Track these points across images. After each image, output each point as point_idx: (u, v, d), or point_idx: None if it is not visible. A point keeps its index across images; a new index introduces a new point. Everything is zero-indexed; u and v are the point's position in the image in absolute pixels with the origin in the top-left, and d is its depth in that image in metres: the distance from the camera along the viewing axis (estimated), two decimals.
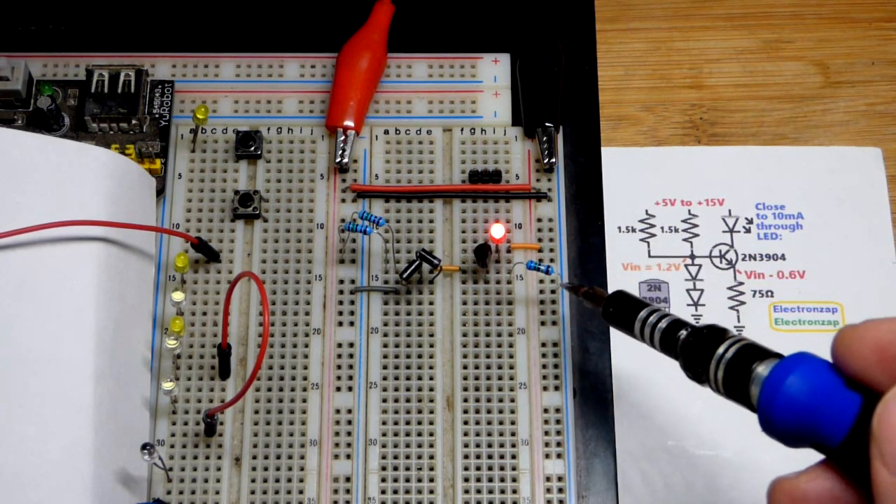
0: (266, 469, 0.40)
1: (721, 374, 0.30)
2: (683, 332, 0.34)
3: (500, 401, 0.41)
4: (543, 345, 0.42)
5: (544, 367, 0.41)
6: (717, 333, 0.31)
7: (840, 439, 0.26)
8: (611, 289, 0.43)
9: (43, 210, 0.39)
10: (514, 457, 0.40)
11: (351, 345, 0.42)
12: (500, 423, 0.41)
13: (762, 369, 0.29)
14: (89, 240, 0.39)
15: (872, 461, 0.24)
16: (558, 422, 0.41)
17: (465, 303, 0.42)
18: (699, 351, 0.32)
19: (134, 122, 0.44)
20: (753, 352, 0.30)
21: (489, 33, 0.47)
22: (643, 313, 0.36)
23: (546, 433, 0.40)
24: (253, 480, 0.40)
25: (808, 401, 0.26)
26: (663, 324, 0.35)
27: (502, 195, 0.44)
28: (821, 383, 0.27)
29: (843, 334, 0.27)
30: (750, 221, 0.47)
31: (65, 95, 0.45)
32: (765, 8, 0.50)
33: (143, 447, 0.36)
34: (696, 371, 0.32)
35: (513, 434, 0.40)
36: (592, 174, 0.44)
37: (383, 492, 0.40)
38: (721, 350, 0.31)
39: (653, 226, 0.47)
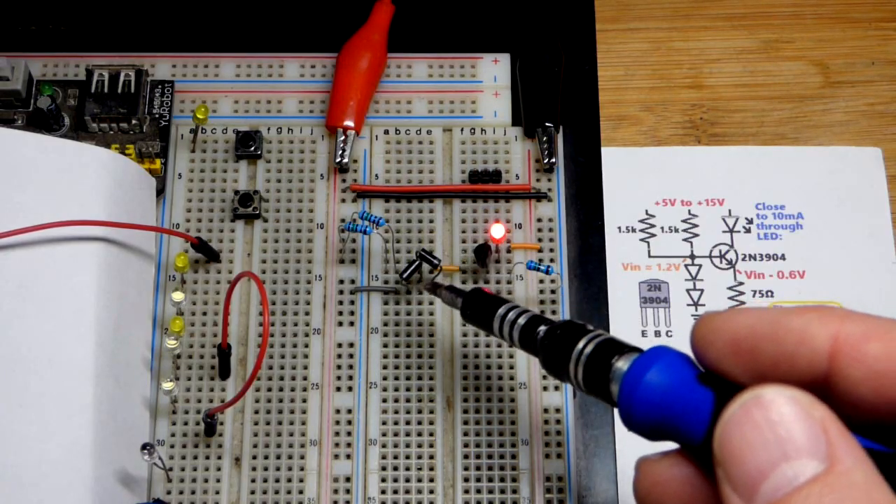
0: (266, 469, 0.40)
1: (581, 371, 0.29)
2: (543, 328, 0.33)
3: (500, 401, 0.41)
4: None
5: None
6: (575, 329, 0.30)
7: (700, 438, 0.25)
8: (611, 290, 0.43)
9: (43, 210, 0.39)
10: (514, 457, 0.40)
11: (351, 345, 0.42)
12: (500, 423, 0.41)
13: (621, 364, 0.27)
14: (89, 240, 0.39)
15: (720, 485, 0.23)
16: (558, 422, 0.41)
17: None
18: (558, 347, 0.30)
19: (134, 122, 0.44)
20: (612, 347, 0.28)
21: (489, 33, 0.47)
22: (501, 310, 0.35)
23: (546, 433, 0.40)
24: (253, 480, 0.40)
25: (664, 396, 0.25)
26: (522, 320, 0.34)
27: (502, 195, 0.44)
28: (679, 378, 0.26)
29: (701, 324, 0.26)
30: (750, 221, 0.47)
31: (65, 95, 0.45)
32: (765, 8, 0.50)
33: (143, 447, 0.36)
34: (556, 369, 0.31)
35: (513, 434, 0.40)
36: (592, 174, 0.44)
37: (383, 492, 0.40)
38: (580, 346, 0.29)
39: (653, 226, 0.47)
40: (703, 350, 0.26)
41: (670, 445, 0.27)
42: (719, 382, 0.25)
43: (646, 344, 0.45)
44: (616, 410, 0.27)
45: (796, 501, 0.21)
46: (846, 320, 0.24)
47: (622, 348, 0.28)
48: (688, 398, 0.25)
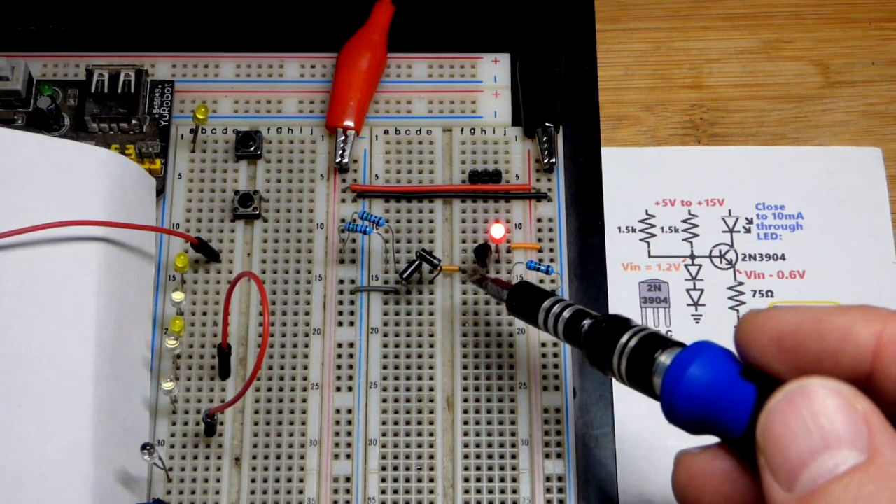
0: (266, 469, 0.40)
1: (624, 364, 0.30)
2: (587, 322, 0.34)
3: (500, 401, 0.41)
4: (543, 345, 0.42)
5: (544, 367, 0.41)
6: (619, 323, 0.31)
7: (741, 432, 0.26)
8: (611, 290, 0.43)
9: (43, 210, 0.39)
10: (514, 457, 0.40)
11: (351, 345, 0.42)
12: (500, 423, 0.41)
13: (664, 358, 0.28)
14: (89, 240, 0.39)
15: (762, 472, 0.24)
16: (558, 422, 0.41)
17: (465, 303, 0.42)
18: (603, 340, 0.31)
19: (134, 122, 0.44)
20: (656, 341, 0.29)
21: (489, 33, 0.47)
22: (547, 303, 0.36)
23: (546, 433, 0.40)
24: (253, 480, 0.40)
25: (706, 390, 0.26)
26: (567, 314, 0.35)
27: (502, 195, 0.44)
28: (721, 372, 0.26)
29: (745, 321, 0.27)
30: (750, 221, 0.47)
31: (65, 95, 0.45)
32: (765, 8, 0.50)
33: (143, 447, 0.36)
34: (600, 361, 0.32)
35: (513, 434, 0.40)
36: (592, 174, 0.44)
37: (383, 492, 0.40)
38: (624, 339, 0.30)
39: (653, 226, 0.47)
40: (747, 346, 0.27)
41: (709, 440, 0.27)
42: (761, 377, 0.26)
43: None
44: (658, 404, 0.28)
45: (836, 490, 0.22)
46: (890, 320, 0.24)
47: (665, 343, 0.29)
48: (730, 392, 0.26)
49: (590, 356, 0.33)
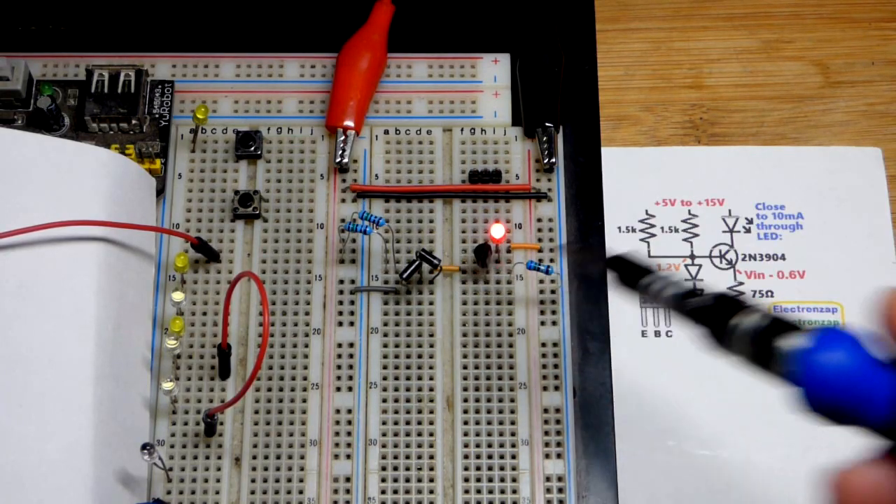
0: (266, 469, 0.40)
1: (752, 346, 0.29)
2: (708, 294, 0.32)
3: (500, 401, 0.41)
4: (543, 345, 0.42)
5: (544, 367, 0.41)
6: (736, 304, 0.30)
7: (882, 416, 0.25)
8: (611, 292, 0.43)
9: (43, 210, 0.39)
10: (514, 457, 0.40)
11: (351, 345, 0.42)
12: (500, 423, 0.41)
13: (799, 341, 0.27)
14: (89, 240, 0.39)
15: None
16: (558, 422, 0.41)
17: (465, 303, 0.42)
18: (721, 317, 0.30)
19: (134, 122, 0.44)
20: (783, 324, 0.28)
21: (489, 33, 0.47)
22: (645, 280, 0.34)
23: (546, 433, 0.40)
24: (253, 480, 0.40)
25: (848, 379, 0.25)
26: (680, 289, 0.33)
27: (502, 195, 0.44)
28: (863, 358, 0.26)
29: (891, 300, 0.26)
30: (750, 221, 0.47)
31: (65, 95, 0.45)
32: (765, 8, 0.50)
33: (143, 447, 0.36)
34: (721, 338, 0.30)
35: (513, 434, 0.40)
36: (592, 174, 0.44)
37: (383, 492, 0.40)
38: (753, 319, 0.29)
39: (653, 226, 0.47)
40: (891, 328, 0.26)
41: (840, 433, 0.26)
42: None
43: (646, 344, 0.45)
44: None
45: None
46: None
47: (793, 326, 0.28)
48: (872, 378, 0.25)
49: (712, 332, 0.30)
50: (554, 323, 0.42)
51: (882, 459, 0.26)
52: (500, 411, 0.41)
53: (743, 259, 0.46)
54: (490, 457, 0.40)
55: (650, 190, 0.47)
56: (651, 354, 0.44)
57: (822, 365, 0.26)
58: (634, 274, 0.35)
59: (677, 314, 0.33)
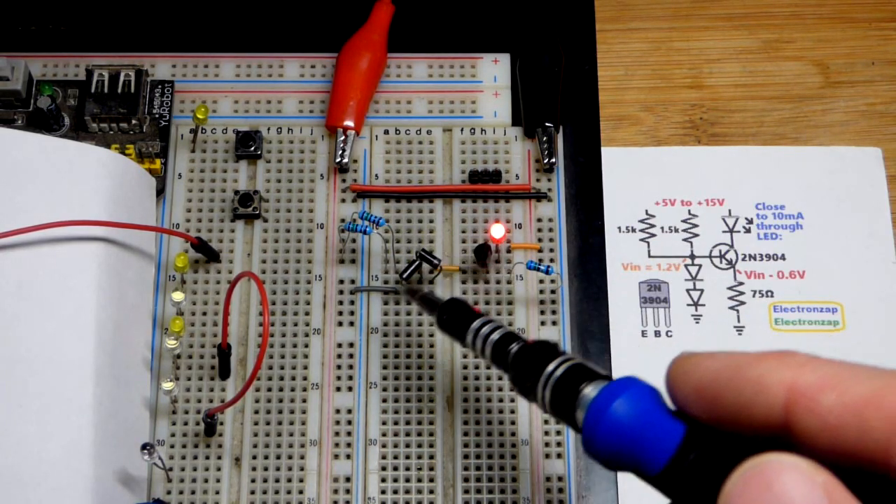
0: (266, 469, 0.40)
1: (549, 394, 0.29)
2: (515, 346, 0.33)
3: (500, 401, 0.41)
4: None
5: None
6: (547, 350, 0.30)
7: (660, 467, 0.25)
8: (611, 290, 0.43)
9: (43, 210, 0.39)
10: (514, 457, 0.40)
11: (351, 345, 0.42)
12: (500, 423, 0.41)
13: (589, 391, 0.28)
14: (89, 240, 0.39)
15: None
16: (558, 422, 0.41)
17: None
18: (528, 367, 0.30)
19: (134, 122, 0.44)
20: (582, 372, 0.29)
21: (489, 33, 0.47)
22: (476, 323, 0.35)
23: (546, 433, 0.40)
24: (253, 480, 0.40)
25: (631, 426, 0.26)
26: (496, 336, 0.34)
27: (502, 195, 0.44)
28: (645, 410, 0.26)
29: (673, 366, 0.26)
30: (750, 221, 0.47)
31: (65, 95, 0.45)
32: (765, 8, 0.50)
33: (143, 447, 0.36)
34: (525, 387, 0.31)
35: (513, 434, 0.40)
36: (592, 174, 0.44)
37: (383, 492, 0.40)
38: (550, 368, 0.29)
39: (653, 226, 0.47)
40: (672, 391, 0.26)
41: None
42: (691, 419, 0.26)
43: (646, 344, 0.45)
44: (579, 437, 0.28)
45: None
46: (803, 368, 0.23)
47: (592, 375, 0.28)
48: (657, 428, 0.25)
49: (515, 381, 0.31)
50: (554, 323, 0.42)
51: None
52: (500, 411, 0.41)
53: (743, 259, 0.46)
54: (490, 457, 0.40)
55: (650, 190, 0.47)
56: (651, 354, 0.44)
57: (602, 414, 0.26)
58: (465, 318, 0.35)
59: (497, 359, 0.34)
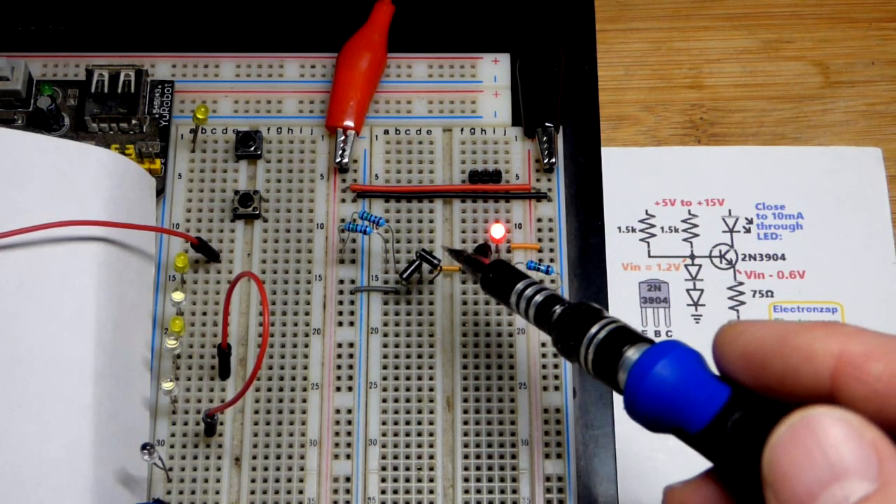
0: (266, 469, 0.40)
1: (592, 355, 0.30)
2: (558, 308, 0.33)
3: (500, 401, 0.41)
4: (543, 345, 0.42)
5: (544, 367, 0.41)
6: (591, 313, 0.31)
7: (703, 424, 0.26)
8: (611, 290, 0.43)
9: (43, 210, 0.39)
10: (514, 457, 0.40)
11: (351, 345, 0.42)
12: (500, 423, 0.41)
13: (632, 353, 0.28)
14: (89, 240, 0.39)
15: None
16: (558, 422, 0.41)
17: (465, 303, 0.42)
18: (572, 328, 0.31)
19: (134, 122, 0.44)
20: (625, 335, 0.29)
21: (489, 33, 0.47)
22: (520, 285, 0.35)
23: (546, 433, 0.40)
24: (253, 480, 0.40)
25: (674, 387, 0.26)
26: (539, 298, 0.35)
27: (502, 195, 0.44)
28: (689, 371, 0.26)
29: (720, 334, 0.27)
30: (750, 221, 0.47)
31: (65, 95, 0.45)
32: (765, 8, 0.50)
33: (143, 447, 0.36)
34: (568, 347, 0.31)
35: (513, 434, 0.40)
36: (592, 174, 0.44)
37: (383, 492, 0.40)
38: (594, 330, 0.30)
39: (653, 226, 0.47)
40: (718, 358, 0.27)
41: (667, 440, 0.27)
42: (736, 384, 0.26)
43: None
44: (621, 398, 0.28)
45: None
46: (851, 338, 0.24)
47: (635, 338, 0.29)
48: (701, 388, 0.26)
49: (558, 342, 0.32)
50: None
51: (703, 480, 0.27)
52: (500, 411, 0.41)
53: (743, 259, 0.46)
54: (490, 457, 0.40)
55: (650, 190, 0.47)
56: None
57: (644, 376, 0.27)
58: (510, 279, 0.36)
59: (540, 321, 0.34)
